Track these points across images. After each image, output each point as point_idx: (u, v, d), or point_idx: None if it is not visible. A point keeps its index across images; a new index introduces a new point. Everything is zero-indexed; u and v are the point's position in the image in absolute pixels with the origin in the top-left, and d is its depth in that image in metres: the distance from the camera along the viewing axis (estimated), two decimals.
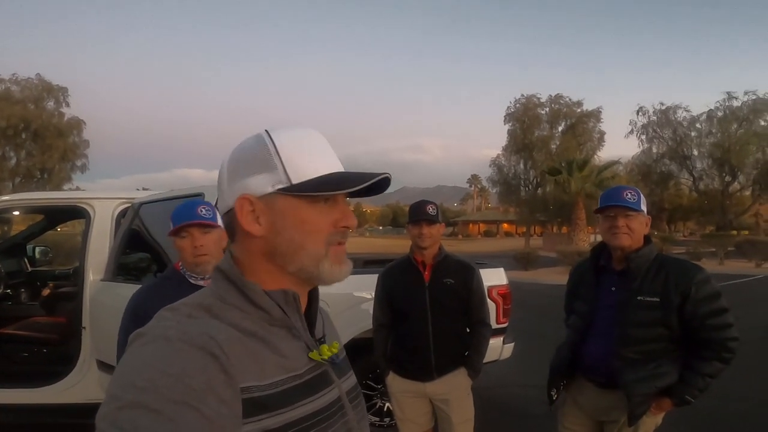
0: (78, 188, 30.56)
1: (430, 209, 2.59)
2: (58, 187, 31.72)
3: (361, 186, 0.79)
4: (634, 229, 2.10)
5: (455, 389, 2.64)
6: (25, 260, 5.66)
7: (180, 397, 0.62)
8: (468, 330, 2.73)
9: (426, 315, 2.59)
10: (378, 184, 0.82)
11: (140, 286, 2.21)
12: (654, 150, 41.24)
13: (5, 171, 33.21)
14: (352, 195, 0.85)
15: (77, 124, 35.22)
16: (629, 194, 2.11)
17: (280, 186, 0.78)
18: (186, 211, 2.01)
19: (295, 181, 0.78)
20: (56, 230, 6.03)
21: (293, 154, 0.79)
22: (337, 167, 0.82)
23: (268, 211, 0.79)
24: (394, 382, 2.73)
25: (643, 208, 2.13)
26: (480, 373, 2.70)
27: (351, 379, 0.92)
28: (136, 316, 1.89)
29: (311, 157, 0.80)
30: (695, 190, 41.88)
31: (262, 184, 0.79)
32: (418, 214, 2.58)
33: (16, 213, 5.08)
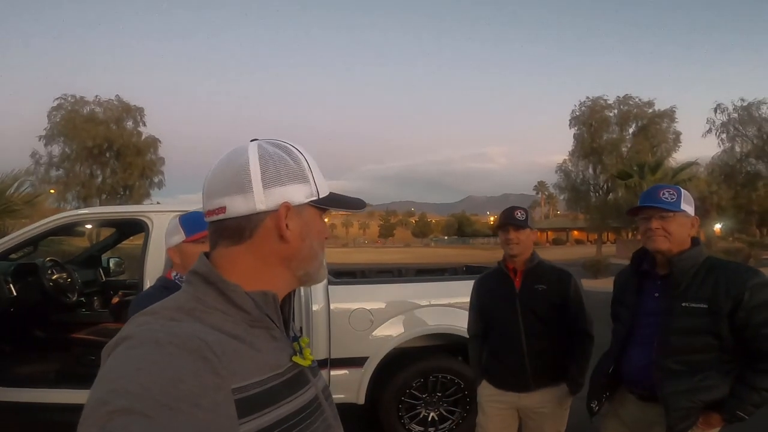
0: (158, 203, 32.44)
1: (519, 214, 2.51)
2: (138, 203, 33.85)
3: (359, 210, 0.93)
4: (672, 232, 1.95)
5: (553, 403, 2.52)
6: (100, 270, 6.03)
7: (174, 402, 0.62)
8: (569, 340, 2.58)
9: (518, 323, 2.48)
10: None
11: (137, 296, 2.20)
12: (737, 149, 38.36)
13: (93, 188, 35.82)
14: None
15: (153, 143, 37.50)
16: (666, 194, 1.97)
17: (312, 198, 0.84)
18: (202, 219, 2.07)
19: (321, 195, 0.86)
20: (135, 243, 6.43)
21: (315, 169, 0.87)
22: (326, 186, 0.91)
23: (297, 219, 0.83)
24: (485, 390, 2.64)
25: (686, 208, 1.97)
26: (582, 388, 2.51)
27: (323, 379, 0.94)
28: None
29: (323, 178, 0.89)
30: None
31: (299, 194, 0.83)
32: (506, 218, 2.52)
33: (89, 226, 5.44)
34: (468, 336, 2.79)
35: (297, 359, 0.83)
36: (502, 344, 2.56)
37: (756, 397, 1.85)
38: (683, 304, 1.92)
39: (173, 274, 2.12)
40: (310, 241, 0.85)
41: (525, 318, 2.48)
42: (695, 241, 2.03)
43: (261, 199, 0.81)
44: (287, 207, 0.82)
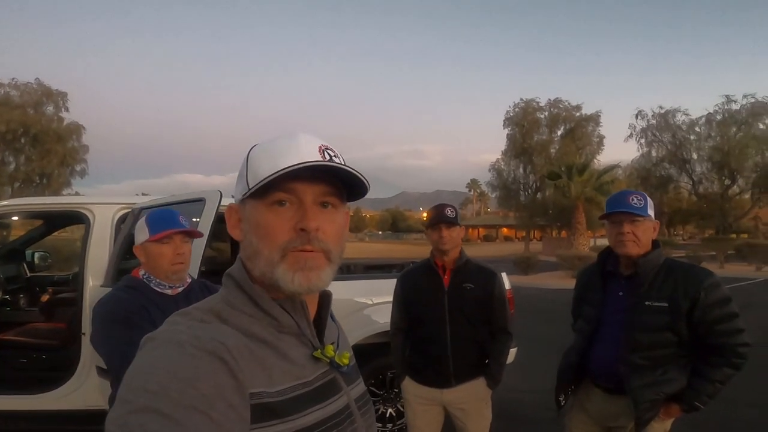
0: (77, 193, 30.54)
1: (449, 212, 2.54)
2: (57, 192, 31.69)
3: (291, 168, 0.74)
4: (641, 236, 2.07)
5: (473, 398, 2.58)
6: (24, 266, 5.61)
7: (190, 401, 0.63)
8: (490, 337, 2.66)
9: (444, 320, 2.52)
10: (357, 187, 0.82)
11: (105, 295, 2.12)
12: (653, 154, 41.34)
13: (4, 176, 33.15)
14: (351, 199, 0.84)
15: (76, 129, 35.17)
16: (635, 199, 2.08)
17: (244, 191, 0.80)
18: (169, 218, 2.04)
19: (251, 185, 0.79)
20: (55, 235, 5.99)
21: (255, 160, 0.81)
22: (294, 161, 0.76)
23: (243, 217, 0.83)
24: (409, 387, 2.67)
25: (650, 213, 2.10)
26: (500, 383, 2.61)
27: (360, 387, 0.93)
28: (118, 319, 1.87)
29: (271, 160, 0.78)
30: (695, 193, 41.89)
31: (239, 192, 0.83)
32: (438, 217, 2.54)
33: (15, 218, 5.05)
34: (390, 330, 2.78)
35: (317, 354, 0.83)
36: (427, 340, 2.59)
37: (711, 388, 2.00)
38: (647, 303, 2.05)
39: (141, 272, 2.07)
40: (249, 237, 0.80)
41: (452, 315, 2.53)
42: (656, 243, 2.16)
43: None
44: (229, 208, 0.86)
